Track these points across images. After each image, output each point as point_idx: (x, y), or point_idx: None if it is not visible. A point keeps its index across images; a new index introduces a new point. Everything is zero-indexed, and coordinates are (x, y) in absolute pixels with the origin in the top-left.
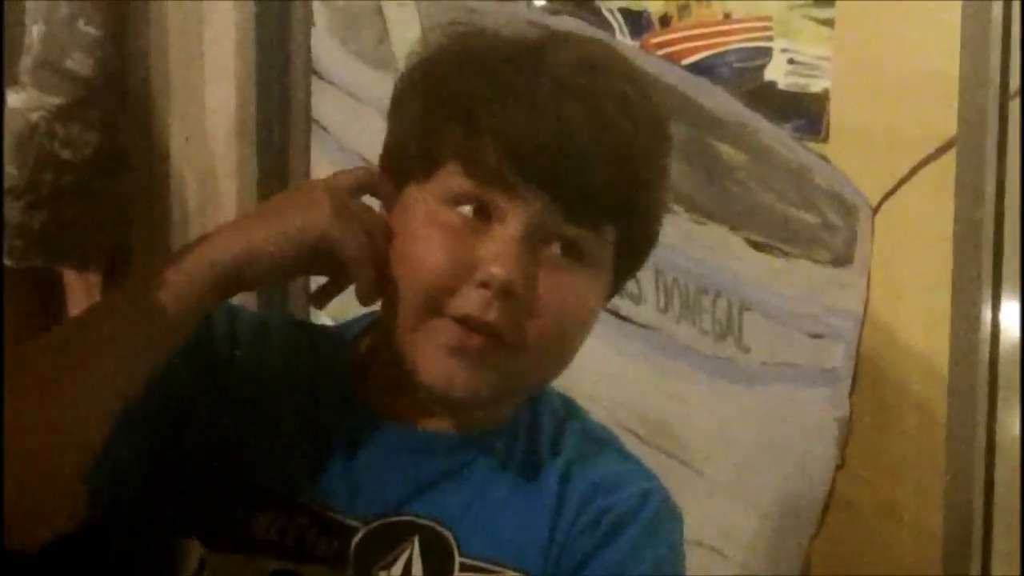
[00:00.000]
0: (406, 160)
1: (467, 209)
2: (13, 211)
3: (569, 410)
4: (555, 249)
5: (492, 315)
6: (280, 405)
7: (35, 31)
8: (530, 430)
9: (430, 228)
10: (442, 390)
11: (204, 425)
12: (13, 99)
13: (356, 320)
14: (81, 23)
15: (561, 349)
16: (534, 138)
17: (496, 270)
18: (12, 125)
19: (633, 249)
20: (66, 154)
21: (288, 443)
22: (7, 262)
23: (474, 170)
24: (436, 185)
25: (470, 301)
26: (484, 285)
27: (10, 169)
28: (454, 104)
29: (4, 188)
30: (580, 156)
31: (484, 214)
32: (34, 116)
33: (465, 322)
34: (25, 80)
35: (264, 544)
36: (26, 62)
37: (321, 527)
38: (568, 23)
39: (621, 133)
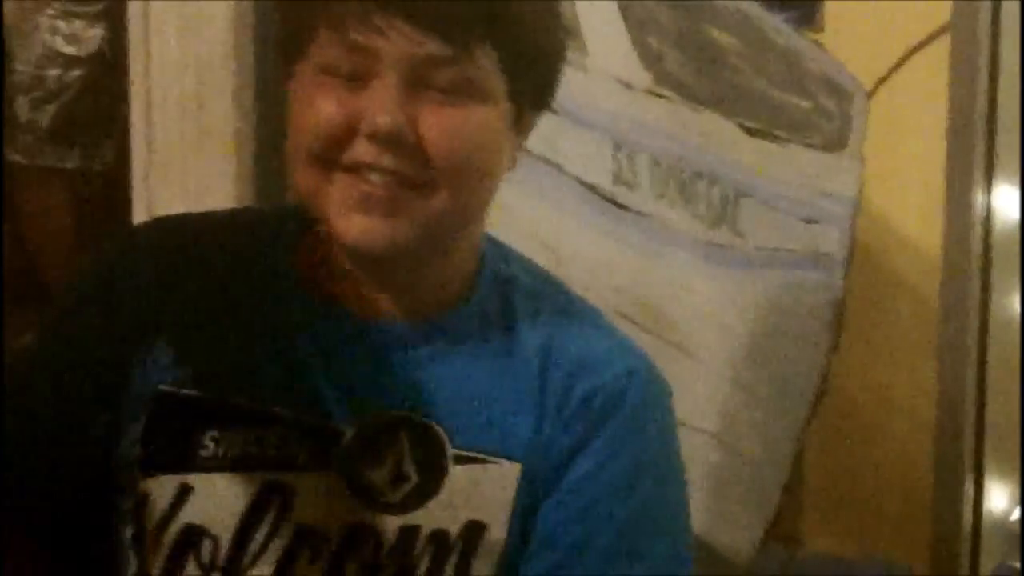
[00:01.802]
0: (287, 38)
1: (342, 77)
2: (22, 108)
3: (542, 283)
4: (437, 89)
5: (387, 162)
6: (238, 313)
7: None
8: (502, 313)
9: (314, 94)
10: (362, 248)
11: (154, 357)
12: None
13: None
14: None
15: (473, 183)
16: None
17: (380, 119)
18: (15, 22)
19: (523, 69)
20: (70, 49)
21: (253, 351)
22: (19, 158)
23: (341, 24)
24: (312, 57)
25: (362, 152)
26: (372, 136)
27: (16, 65)
28: None
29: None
30: None
31: (361, 75)
32: (37, 13)
33: (362, 173)
34: None
35: (245, 460)
36: None
37: (302, 435)
38: None
39: None
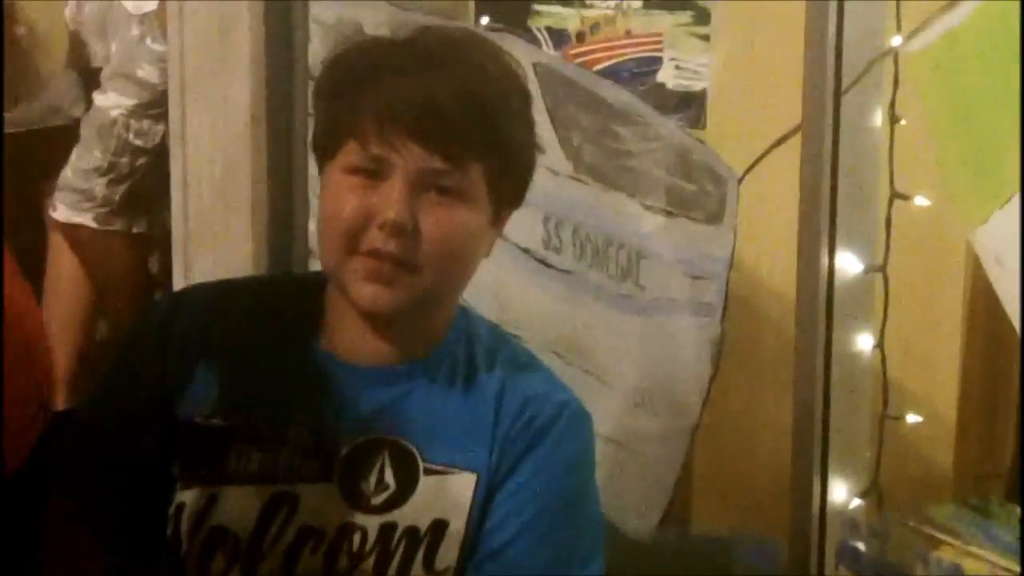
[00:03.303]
0: (321, 145)
1: (362, 177)
2: (99, 186)
3: (499, 341)
4: (434, 193)
5: (392, 247)
6: (260, 361)
7: (112, 47)
8: (468, 361)
9: (340, 192)
10: (369, 308)
11: (192, 394)
12: (99, 99)
13: (316, 273)
14: (148, 41)
15: (452, 267)
16: (406, 102)
17: (390, 214)
18: (97, 120)
19: (504, 181)
20: (139, 142)
21: (271, 390)
22: (95, 225)
23: (365, 139)
24: (340, 160)
25: (374, 238)
26: (382, 227)
27: (96, 153)
28: (347, 94)
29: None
30: (442, 110)
31: (376, 176)
32: (113, 113)
33: (374, 255)
34: (106, 85)
35: (261, 474)
36: (106, 71)
37: (307, 453)
38: (506, 38)
39: (475, 92)
